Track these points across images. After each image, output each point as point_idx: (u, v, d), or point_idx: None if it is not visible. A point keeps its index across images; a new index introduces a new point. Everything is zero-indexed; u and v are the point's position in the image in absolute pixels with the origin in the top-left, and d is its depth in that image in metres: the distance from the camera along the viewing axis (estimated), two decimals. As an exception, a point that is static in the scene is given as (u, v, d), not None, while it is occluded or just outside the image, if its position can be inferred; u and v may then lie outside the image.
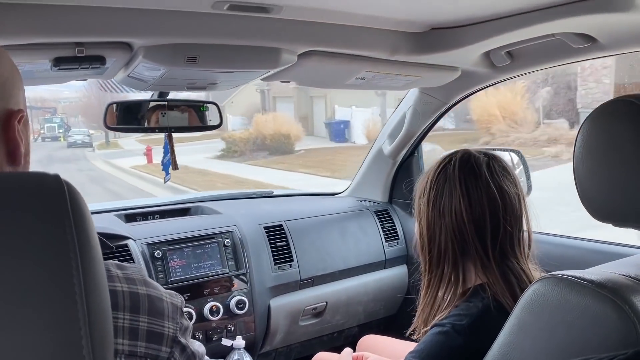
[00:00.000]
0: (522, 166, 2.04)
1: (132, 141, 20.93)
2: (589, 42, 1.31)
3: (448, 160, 1.12)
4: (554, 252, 1.25)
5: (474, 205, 1.07)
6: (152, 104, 1.56)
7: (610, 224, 0.90)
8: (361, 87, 1.65)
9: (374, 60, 1.43)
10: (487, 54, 1.51)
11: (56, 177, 0.50)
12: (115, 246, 1.64)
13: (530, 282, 1.07)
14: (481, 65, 1.56)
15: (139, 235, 1.73)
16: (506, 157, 2.11)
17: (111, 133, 20.61)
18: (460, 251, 1.09)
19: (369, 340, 1.74)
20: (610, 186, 0.87)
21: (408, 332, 1.20)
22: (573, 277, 0.85)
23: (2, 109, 0.63)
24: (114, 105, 1.52)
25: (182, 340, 0.78)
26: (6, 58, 0.66)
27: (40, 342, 0.45)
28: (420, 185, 1.18)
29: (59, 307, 0.46)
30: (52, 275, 0.46)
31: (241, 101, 21.75)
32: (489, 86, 1.75)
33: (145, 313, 0.72)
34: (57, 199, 0.49)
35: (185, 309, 1.64)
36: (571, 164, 0.91)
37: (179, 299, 0.81)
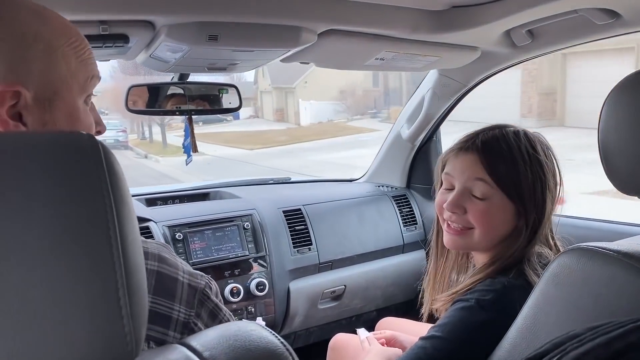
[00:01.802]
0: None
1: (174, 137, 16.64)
2: (612, 18, 1.29)
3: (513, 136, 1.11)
4: (576, 234, 1.24)
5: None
6: (172, 87, 1.58)
7: (637, 197, 0.90)
8: (380, 68, 1.65)
9: (394, 40, 1.43)
10: (507, 33, 1.49)
11: (90, 136, 0.51)
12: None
13: None
14: (502, 45, 1.54)
15: (160, 218, 1.75)
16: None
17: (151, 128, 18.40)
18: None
19: (387, 322, 1.74)
20: (636, 158, 0.86)
21: (423, 310, 1.21)
22: (599, 247, 0.84)
23: None
24: (135, 88, 1.54)
25: (202, 328, 0.72)
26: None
27: (76, 291, 0.46)
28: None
29: (97, 257, 0.47)
30: (89, 228, 0.47)
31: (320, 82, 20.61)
32: (508, 67, 1.74)
33: (150, 292, 0.67)
34: (92, 155, 0.50)
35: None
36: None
37: (202, 280, 0.75)
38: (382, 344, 1.31)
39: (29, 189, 0.45)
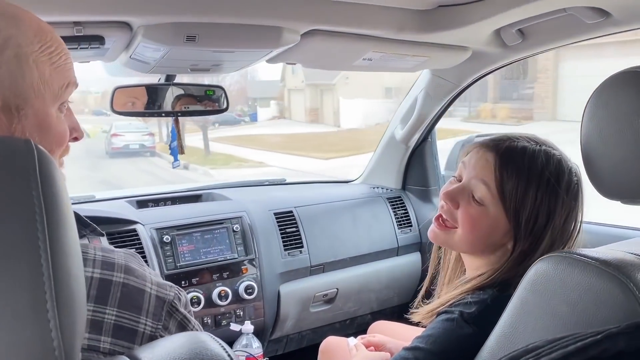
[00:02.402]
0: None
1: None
2: (602, 17, 1.26)
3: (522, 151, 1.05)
4: None
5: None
6: (158, 88, 1.56)
7: (619, 202, 0.87)
8: (370, 69, 1.63)
9: (380, 40, 1.40)
10: (497, 32, 1.46)
11: (27, 141, 0.49)
12: (123, 231, 1.65)
13: None
14: (492, 45, 1.52)
15: (148, 220, 1.74)
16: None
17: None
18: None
19: (380, 326, 1.72)
20: (619, 162, 0.84)
21: (411, 313, 1.18)
22: (576, 255, 0.82)
23: None
24: (121, 90, 1.53)
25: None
26: None
27: (3, 305, 0.44)
28: None
29: (24, 267, 0.45)
30: (16, 235, 0.45)
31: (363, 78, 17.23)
32: (501, 67, 1.71)
33: (114, 305, 0.65)
34: (24, 160, 0.48)
35: (193, 294, 1.66)
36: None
37: (171, 291, 0.73)
38: (370, 348, 1.29)
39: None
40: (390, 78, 17.59)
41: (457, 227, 1.07)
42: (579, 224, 1.05)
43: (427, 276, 1.27)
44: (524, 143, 1.04)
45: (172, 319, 0.72)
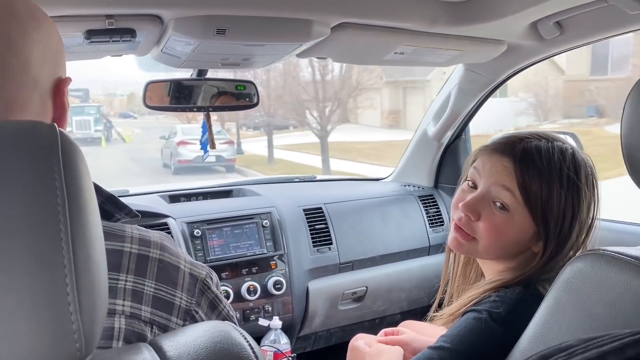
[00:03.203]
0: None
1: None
2: (646, 7, 1.21)
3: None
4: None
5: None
6: (189, 83, 1.58)
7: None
8: (401, 63, 1.60)
9: (413, 33, 1.38)
10: (534, 25, 1.42)
11: (51, 126, 0.50)
12: (155, 224, 1.67)
13: None
14: (528, 38, 1.47)
15: (179, 215, 1.76)
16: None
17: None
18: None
19: (409, 325, 1.69)
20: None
21: (430, 319, 1.15)
22: (615, 252, 0.78)
23: (55, 76, 0.65)
24: (153, 85, 1.55)
25: (202, 317, 0.74)
26: (55, 28, 0.67)
27: (22, 286, 0.44)
28: None
29: (44, 251, 0.45)
30: (38, 219, 0.45)
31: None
32: (537, 61, 1.65)
33: (152, 278, 0.69)
34: (48, 145, 0.48)
35: (222, 288, 1.67)
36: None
37: (203, 270, 0.76)
38: (390, 343, 1.25)
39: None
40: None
41: (476, 238, 1.04)
42: (596, 215, 1.03)
43: (441, 283, 1.24)
44: (536, 142, 1.02)
45: (204, 297, 0.75)
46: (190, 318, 0.72)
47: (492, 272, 1.08)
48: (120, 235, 0.69)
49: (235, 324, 0.75)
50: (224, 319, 0.77)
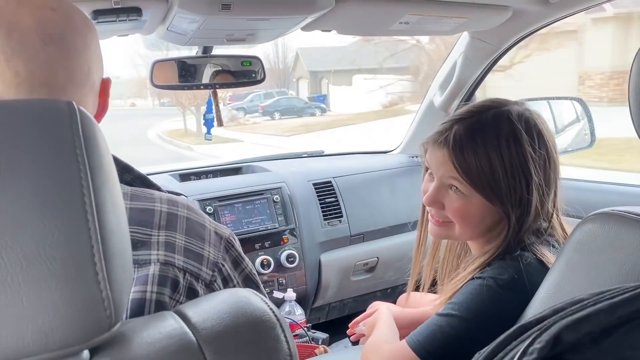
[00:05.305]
0: (585, 116, 1.93)
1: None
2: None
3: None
4: (581, 198, 1.17)
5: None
6: (195, 60, 1.58)
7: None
8: (407, 33, 1.59)
9: (417, 2, 1.37)
10: (540, -11, 1.41)
11: (69, 103, 0.51)
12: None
13: (566, 234, 1.02)
14: (533, 3, 1.46)
15: (191, 192, 1.78)
16: (568, 106, 2.00)
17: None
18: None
19: (414, 297, 1.71)
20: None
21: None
22: (624, 212, 0.79)
23: (102, 77, 0.71)
24: (159, 64, 1.55)
25: (228, 271, 0.77)
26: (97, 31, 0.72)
27: (53, 258, 0.46)
28: None
29: (70, 222, 0.46)
30: (62, 193, 0.47)
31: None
32: (543, 26, 1.64)
33: (182, 232, 0.73)
34: (68, 120, 0.49)
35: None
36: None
37: (227, 231, 0.80)
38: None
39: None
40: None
41: (452, 222, 1.06)
42: (557, 170, 1.04)
43: (426, 270, 1.27)
44: (467, 121, 1.02)
45: (229, 255, 0.79)
46: (217, 270, 0.75)
47: (479, 250, 1.10)
48: (150, 198, 0.73)
49: (258, 282, 0.79)
50: (246, 276, 0.80)
